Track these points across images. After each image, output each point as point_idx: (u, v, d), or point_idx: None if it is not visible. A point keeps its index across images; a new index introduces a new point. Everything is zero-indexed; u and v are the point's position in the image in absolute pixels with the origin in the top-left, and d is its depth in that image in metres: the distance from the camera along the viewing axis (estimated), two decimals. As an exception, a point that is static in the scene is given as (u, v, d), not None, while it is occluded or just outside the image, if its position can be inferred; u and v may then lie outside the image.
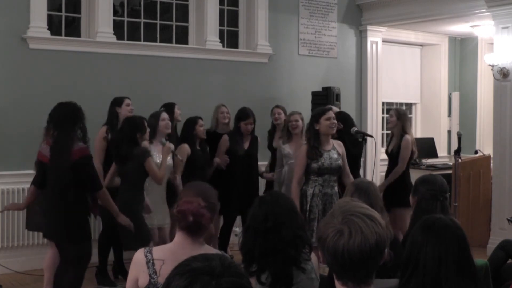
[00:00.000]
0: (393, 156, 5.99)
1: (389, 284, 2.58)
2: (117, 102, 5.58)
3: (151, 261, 2.47)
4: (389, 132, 8.63)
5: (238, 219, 6.18)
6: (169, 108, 5.84)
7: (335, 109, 6.11)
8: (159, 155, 5.04)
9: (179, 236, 2.55)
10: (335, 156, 4.88)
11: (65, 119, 4.35)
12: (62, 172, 4.20)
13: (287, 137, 5.80)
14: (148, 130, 4.92)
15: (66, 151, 4.20)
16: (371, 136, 6.15)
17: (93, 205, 4.56)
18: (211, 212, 2.52)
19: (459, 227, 2.32)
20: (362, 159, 6.09)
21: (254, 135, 6.08)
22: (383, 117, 8.59)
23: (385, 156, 6.36)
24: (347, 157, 5.17)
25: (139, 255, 2.52)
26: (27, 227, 5.35)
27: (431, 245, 2.23)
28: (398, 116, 6.00)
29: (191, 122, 5.71)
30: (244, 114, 5.98)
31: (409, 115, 8.95)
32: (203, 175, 5.52)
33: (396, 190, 5.78)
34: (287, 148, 5.71)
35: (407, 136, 5.92)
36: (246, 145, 5.99)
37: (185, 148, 5.56)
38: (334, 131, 4.97)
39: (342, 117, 5.89)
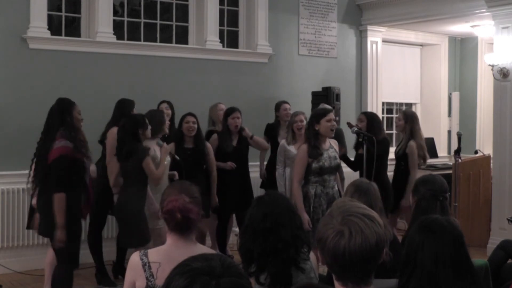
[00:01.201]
0: (398, 158, 6.06)
1: (388, 284, 2.58)
2: (131, 105, 5.52)
3: (147, 264, 2.48)
4: (391, 132, 8.76)
5: (238, 219, 6.18)
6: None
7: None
8: (158, 154, 5.01)
9: (170, 238, 2.56)
10: (334, 154, 4.88)
11: (51, 116, 4.40)
12: (44, 171, 4.29)
13: (292, 138, 5.78)
14: (149, 127, 4.90)
15: (46, 149, 4.27)
16: (371, 136, 6.15)
17: (84, 206, 4.56)
18: (197, 206, 2.53)
19: (456, 227, 2.32)
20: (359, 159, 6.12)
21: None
22: (383, 117, 8.59)
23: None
24: (367, 157, 5.27)
25: (135, 258, 2.52)
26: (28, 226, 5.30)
27: (428, 246, 2.23)
28: (406, 119, 6.01)
29: (180, 119, 5.67)
30: (230, 110, 5.98)
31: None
32: (194, 173, 5.39)
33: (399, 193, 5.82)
34: (293, 150, 5.69)
35: (411, 143, 5.92)
36: (235, 143, 5.96)
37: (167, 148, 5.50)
38: (333, 135, 4.96)
39: (370, 118, 5.94)
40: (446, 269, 2.19)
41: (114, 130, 5.22)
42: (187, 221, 2.50)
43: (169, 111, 5.97)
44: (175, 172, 5.31)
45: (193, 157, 5.58)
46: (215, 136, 5.98)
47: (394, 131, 8.79)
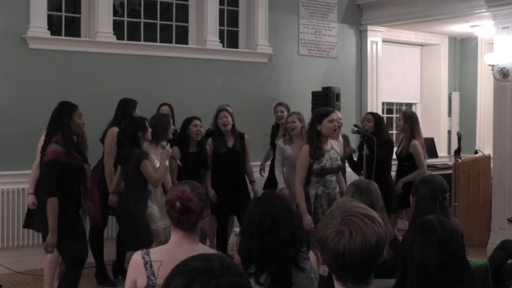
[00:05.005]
0: (401, 159, 6.05)
1: (388, 284, 2.58)
2: (133, 105, 5.48)
3: (149, 263, 2.49)
4: (391, 132, 8.77)
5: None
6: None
7: (338, 114, 6.13)
8: (158, 159, 4.96)
9: (174, 236, 2.57)
10: (335, 155, 4.86)
11: (51, 120, 4.43)
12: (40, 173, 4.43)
13: (289, 138, 5.75)
14: (149, 130, 4.89)
15: (43, 152, 4.33)
16: (371, 136, 6.15)
17: (96, 215, 4.57)
18: (200, 200, 2.54)
19: (447, 229, 2.25)
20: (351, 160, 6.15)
21: (239, 132, 6.00)
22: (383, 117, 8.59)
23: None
24: (374, 158, 5.30)
25: (137, 257, 2.53)
26: (25, 225, 5.29)
27: (416, 246, 2.21)
28: (405, 119, 6.04)
29: (186, 122, 5.61)
30: (218, 110, 5.96)
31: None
32: (195, 177, 5.38)
33: (405, 191, 5.81)
34: (288, 151, 5.67)
35: (415, 141, 5.94)
36: (230, 144, 5.91)
37: (172, 151, 5.28)
38: (336, 135, 4.95)
39: (377, 118, 5.96)
40: (433, 270, 2.15)
41: (114, 130, 5.23)
42: (186, 210, 2.51)
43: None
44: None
45: (197, 161, 5.54)
46: (209, 140, 5.90)
47: (394, 131, 8.79)
